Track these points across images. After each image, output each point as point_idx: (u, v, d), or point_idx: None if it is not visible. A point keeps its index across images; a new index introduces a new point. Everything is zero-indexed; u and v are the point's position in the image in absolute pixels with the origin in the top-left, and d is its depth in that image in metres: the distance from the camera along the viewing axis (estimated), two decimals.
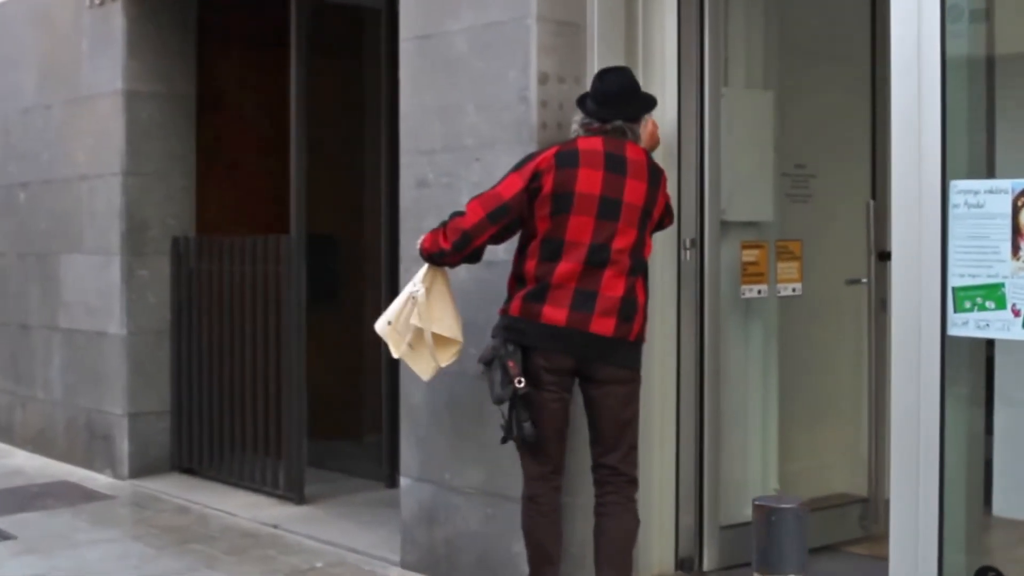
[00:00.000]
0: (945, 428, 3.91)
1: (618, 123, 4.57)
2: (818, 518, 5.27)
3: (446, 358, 4.75)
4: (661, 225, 4.74)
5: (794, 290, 5.60)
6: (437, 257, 4.62)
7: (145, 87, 7.56)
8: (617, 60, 5.06)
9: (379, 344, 6.94)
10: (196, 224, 7.77)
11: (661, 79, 5.18)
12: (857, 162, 5.93)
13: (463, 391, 5.21)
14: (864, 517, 5.75)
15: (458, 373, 5.09)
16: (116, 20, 7.53)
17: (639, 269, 4.54)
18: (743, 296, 5.47)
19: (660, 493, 5.21)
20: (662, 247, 5.18)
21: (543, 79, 4.98)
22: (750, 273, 5.44)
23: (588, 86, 4.98)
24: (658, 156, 5.00)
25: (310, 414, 7.01)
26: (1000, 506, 5.35)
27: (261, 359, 7.01)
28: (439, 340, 4.72)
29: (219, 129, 8.02)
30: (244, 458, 7.22)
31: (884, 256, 5.48)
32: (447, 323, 4.72)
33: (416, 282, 4.71)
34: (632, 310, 4.49)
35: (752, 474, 5.69)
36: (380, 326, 4.84)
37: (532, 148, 4.91)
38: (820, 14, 5.95)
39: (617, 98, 4.58)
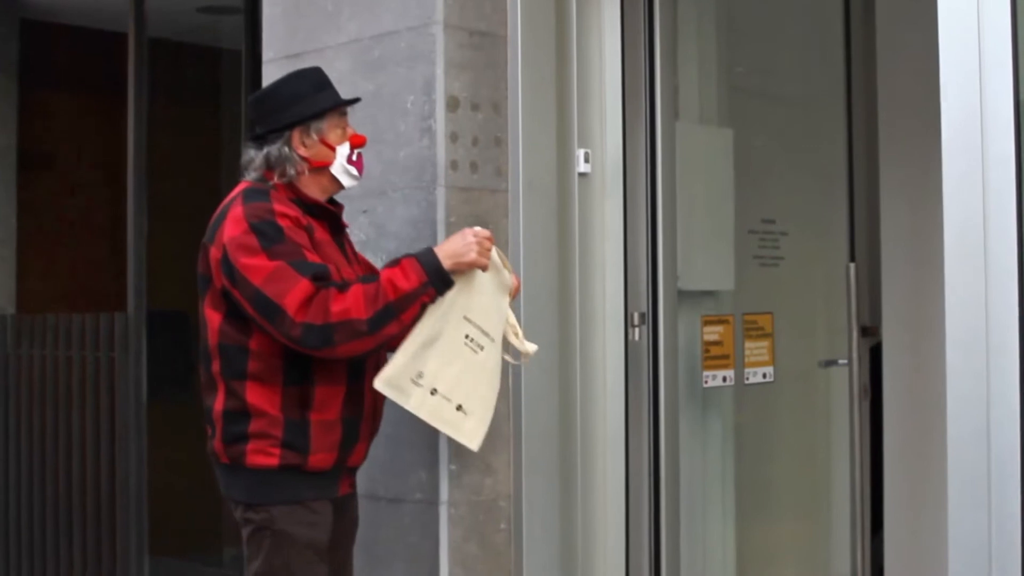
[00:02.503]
0: None
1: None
2: None
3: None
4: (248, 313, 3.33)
5: (764, 376, 4.61)
6: None
7: None
8: (547, 79, 4.06)
9: None
10: (17, 300, 6.82)
11: (600, 107, 4.19)
12: (833, 218, 5.08)
13: None
14: None
15: None
16: None
17: (206, 357, 3.39)
18: (705, 385, 4.47)
19: None
20: (603, 324, 4.17)
21: (452, 105, 3.91)
22: (713, 356, 4.43)
23: (508, 113, 4.01)
24: (598, 201, 4.09)
25: (153, 526, 6.04)
26: None
27: (93, 461, 6.06)
28: None
29: (48, 187, 7.09)
30: None
31: (867, 332, 4.58)
32: None
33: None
34: (208, 418, 3.40)
35: None
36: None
37: (438, 194, 3.88)
38: (784, 52, 5.18)
39: (251, 112, 3.55)
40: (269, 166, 3.38)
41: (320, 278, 3.21)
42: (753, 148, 4.81)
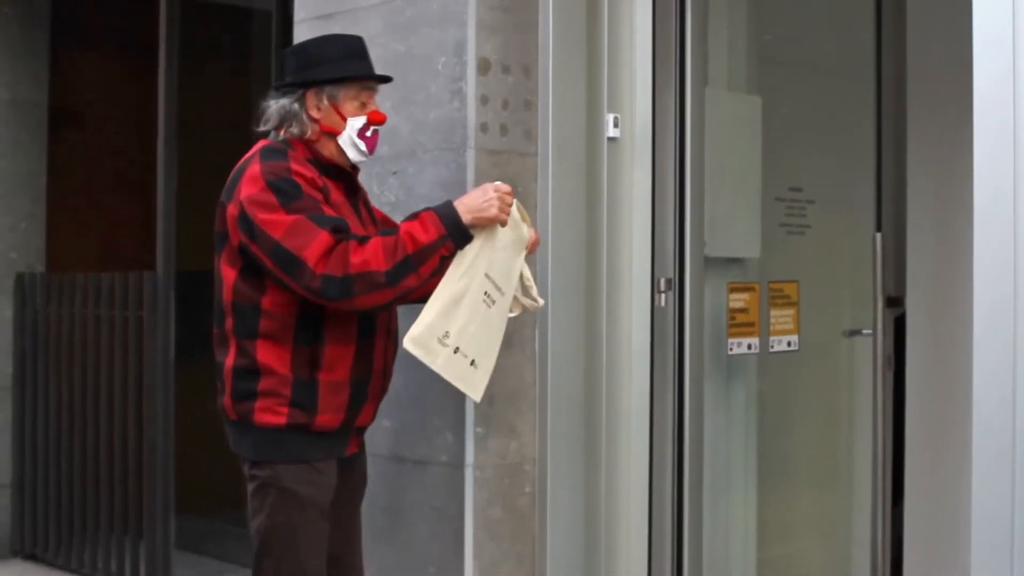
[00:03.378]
0: None
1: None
2: None
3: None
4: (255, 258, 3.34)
5: (789, 344, 4.56)
6: None
7: None
8: (577, 42, 4.03)
9: None
10: (46, 259, 6.71)
11: (630, 71, 4.13)
12: (860, 186, 4.99)
13: (370, 471, 4.03)
14: None
15: (367, 451, 3.94)
16: None
17: (220, 314, 3.42)
18: (730, 352, 4.40)
19: None
20: (629, 289, 4.13)
21: (483, 67, 3.88)
22: (738, 323, 4.36)
23: (539, 76, 3.99)
24: (626, 166, 4.09)
25: (179, 485, 5.98)
26: None
27: (120, 421, 5.98)
28: None
29: (77, 146, 6.95)
30: (99, 541, 6.12)
31: (893, 302, 4.55)
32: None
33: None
34: (219, 374, 3.43)
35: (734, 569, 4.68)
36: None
37: (467, 156, 3.85)
38: (814, 21, 5.08)
39: (281, 64, 3.58)
40: (280, 119, 3.40)
41: (339, 231, 3.20)
42: (781, 116, 4.72)
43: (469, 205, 3.31)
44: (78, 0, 6.80)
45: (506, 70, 3.93)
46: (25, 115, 6.57)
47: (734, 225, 4.50)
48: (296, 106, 3.39)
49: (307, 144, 3.40)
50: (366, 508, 3.79)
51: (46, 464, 6.35)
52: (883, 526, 4.74)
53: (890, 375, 4.75)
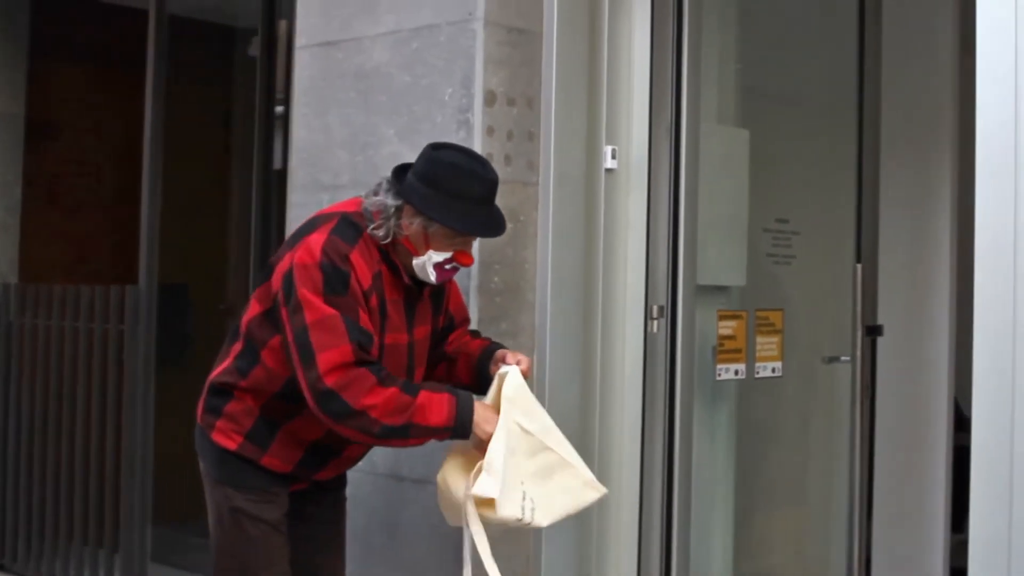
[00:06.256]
0: None
1: None
2: None
3: None
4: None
5: (773, 370, 4.68)
6: None
7: None
8: (579, 77, 4.13)
9: None
10: (20, 270, 6.67)
11: (627, 106, 4.25)
12: (841, 219, 5.12)
13: (369, 488, 4.12)
14: None
15: (365, 470, 4.01)
16: None
17: (234, 331, 3.47)
18: (718, 377, 4.52)
19: None
20: (623, 316, 4.24)
21: (490, 99, 3.97)
22: (727, 349, 4.47)
23: (541, 109, 4.09)
24: (623, 196, 4.25)
25: (156, 495, 5.96)
26: None
27: (97, 431, 5.92)
28: None
29: (54, 158, 6.99)
30: (71, 552, 6.05)
31: (872, 331, 4.70)
32: None
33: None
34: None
35: None
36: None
37: None
38: (798, 57, 5.18)
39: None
40: (378, 211, 3.29)
41: (363, 348, 3.17)
42: (768, 149, 4.82)
43: (486, 417, 3.31)
44: (58, 14, 6.80)
45: (511, 102, 4.02)
46: (1, 126, 6.55)
47: (722, 254, 4.59)
48: (393, 210, 3.28)
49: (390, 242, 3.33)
50: (365, 526, 3.85)
51: (16, 474, 6.26)
52: (859, 545, 4.87)
53: (867, 400, 4.90)
